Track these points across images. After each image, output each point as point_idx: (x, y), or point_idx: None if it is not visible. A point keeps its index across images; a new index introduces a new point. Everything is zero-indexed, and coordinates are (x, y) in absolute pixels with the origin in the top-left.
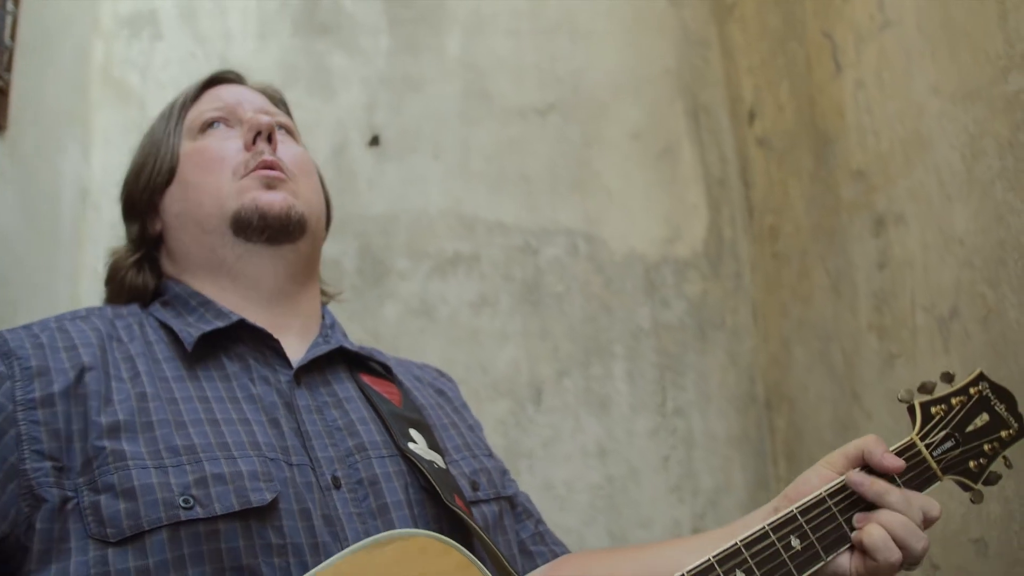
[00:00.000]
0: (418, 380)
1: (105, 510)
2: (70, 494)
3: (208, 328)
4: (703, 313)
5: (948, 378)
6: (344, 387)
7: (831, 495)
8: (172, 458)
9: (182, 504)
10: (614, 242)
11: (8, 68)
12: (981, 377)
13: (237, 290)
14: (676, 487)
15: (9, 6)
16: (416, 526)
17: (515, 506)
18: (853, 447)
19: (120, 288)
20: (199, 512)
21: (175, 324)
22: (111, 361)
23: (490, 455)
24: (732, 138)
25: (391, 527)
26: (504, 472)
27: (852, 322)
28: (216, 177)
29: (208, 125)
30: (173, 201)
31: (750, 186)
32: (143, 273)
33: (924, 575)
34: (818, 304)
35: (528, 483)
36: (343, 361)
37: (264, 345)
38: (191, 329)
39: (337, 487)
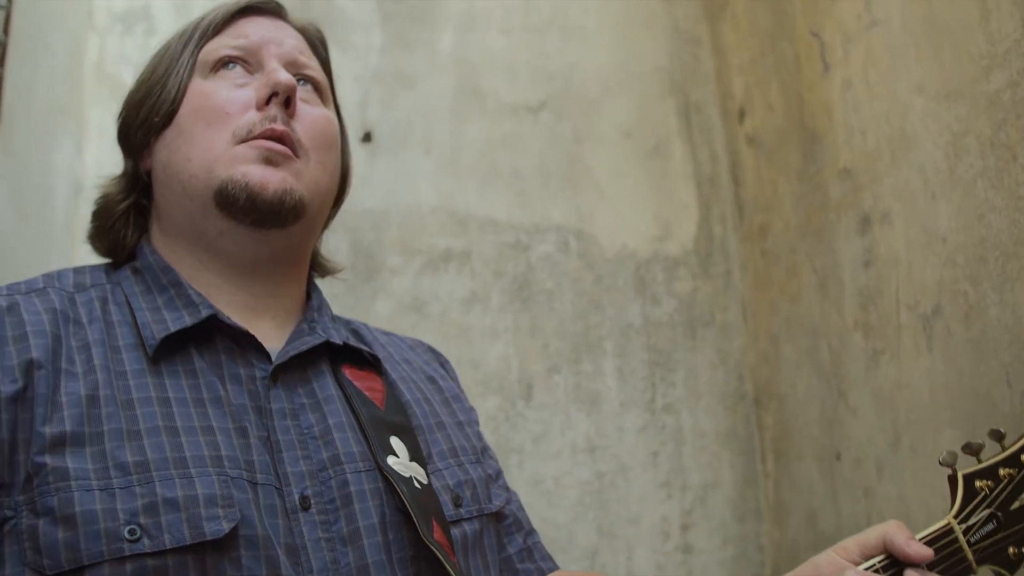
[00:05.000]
0: (408, 364)
1: (43, 538)
2: (8, 513)
3: (174, 327)
4: (693, 310)
5: (998, 436)
6: (324, 384)
7: None
8: (121, 477)
9: (127, 536)
10: (605, 239)
11: (1, 62)
12: None
13: (215, 265)
14: (665, 483)
15: (2, 0)
16: (389, 552)
17: (503, 518)
18: (874, 535)
19: (106, 232)
20: (146, 545)
21: (140, 308)
22: (64, 353)
23: (477, 461)
24: (723, 136)
25: (361, 555)
26: (493, 478)
27: (838, 320)
28: (212, 133)
29: (222, 64)
30: (164, 145)
31: (740, 184)
32: (128, 227)
33: None
34: (806, 302)
35: (517, 479)
36: (326, 351)
37: (239, 337)
38: (155, 324)
39: (306, 508)
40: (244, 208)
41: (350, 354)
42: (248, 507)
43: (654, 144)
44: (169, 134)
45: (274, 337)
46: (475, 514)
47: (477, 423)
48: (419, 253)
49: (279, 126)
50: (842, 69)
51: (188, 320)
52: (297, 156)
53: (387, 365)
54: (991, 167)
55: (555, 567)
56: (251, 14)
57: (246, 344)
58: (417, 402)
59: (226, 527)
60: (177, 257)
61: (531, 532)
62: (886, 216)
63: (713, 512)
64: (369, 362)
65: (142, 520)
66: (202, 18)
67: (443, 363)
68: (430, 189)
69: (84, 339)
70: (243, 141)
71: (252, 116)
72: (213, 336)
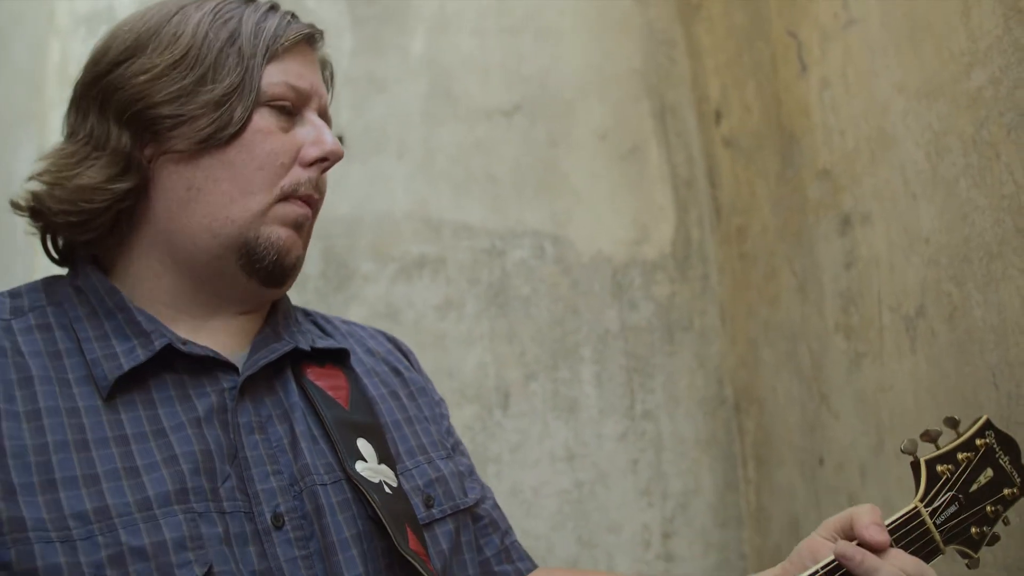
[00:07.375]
0: (371, 356)
1: None
2: None
3: (128, 365)
4: (671, 315)
5: (953, 423)
6: (289, 391)
7: (826, 571)
8: (81, 527)
9: None
10: (581, 244)
11: None
12: (988, 426)
13: (191, 294)
14: (645, 491)
15: None
16: (366, 564)
17: (478, 519)
18: (846, 515)
19: (94, 219)
20: None
21: (88, 339)
22: (2, 389)
23: (448, 456)
24: (699, 138)
25: (338, 571)
26: (466, 474)
27: (819, 322)
28: (262, 176)
29: (278, 101)
30: (198, 166)
31: (717, 187)
32: (118, 220)
33: None
34: (785, 305)
35: (496, 489)
36: (290, 353)
37: (199, 359)
38: (107, 361)
39: (279, 526)
40: (265, 267)
41: (314, 353)
42: (218, 543)
43: (630, 147)
44: (211, 158)
45: (234, 344)
46: (448, 512)
47: (447, 416)
48: (392, 260)
49: (316, 194)
50: (820, 69)
51: (141, 355)
52: (314, 215)
53: (352, 358)
54: (974, 166)
55: (533, 566)
56: (306, 42)
57: (208, 363)
58: (383, 398)
59: (199, 572)
60: (141, 269)
61: (508, 531)
62: (867, 217)
63: (694, 519)
64: (332, 358)
65: (108, 573)
66: (265, 19)
67: (406, 353)
68: (403, 194)
69: (26, 372)
70: (286, 198)
71: (298, 174)
72: (171, 362)
